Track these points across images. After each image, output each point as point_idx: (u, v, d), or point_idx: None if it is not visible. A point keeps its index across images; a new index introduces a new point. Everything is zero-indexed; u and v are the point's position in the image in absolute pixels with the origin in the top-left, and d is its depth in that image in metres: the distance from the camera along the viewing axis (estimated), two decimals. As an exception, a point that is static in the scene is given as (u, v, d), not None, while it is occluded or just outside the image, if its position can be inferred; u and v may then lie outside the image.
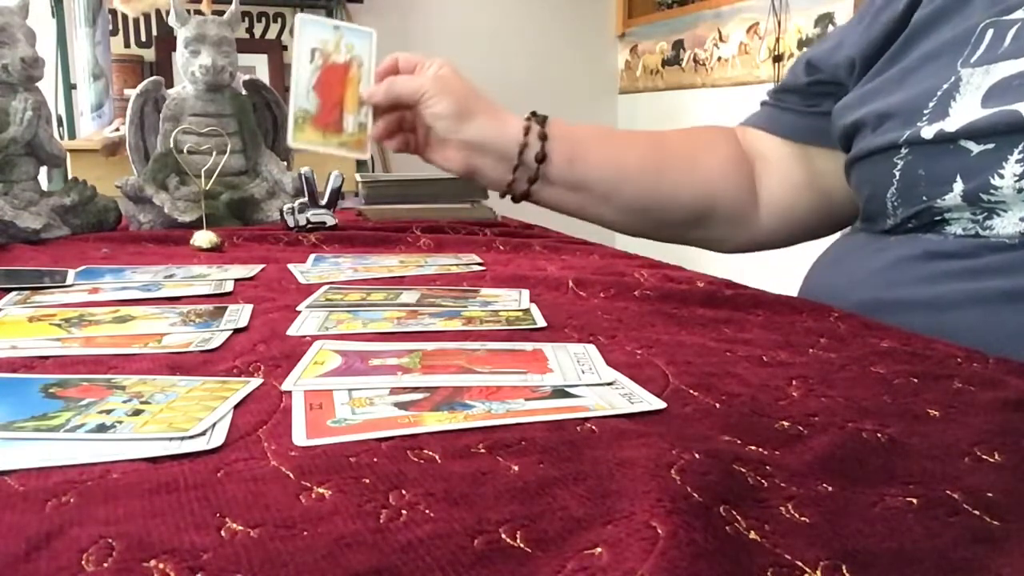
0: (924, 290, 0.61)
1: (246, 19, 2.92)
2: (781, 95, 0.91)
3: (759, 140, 0.89)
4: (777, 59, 2.75)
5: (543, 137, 0.79)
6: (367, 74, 0.86)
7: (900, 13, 0.75)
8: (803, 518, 0.28)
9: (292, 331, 0.54)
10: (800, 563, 0.26)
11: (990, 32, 0.69)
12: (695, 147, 0.88)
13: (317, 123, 0.86)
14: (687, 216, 0.85)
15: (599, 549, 0.26)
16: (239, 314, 0.58)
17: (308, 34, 0.87)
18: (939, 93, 0.67)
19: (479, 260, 0.82)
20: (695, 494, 0.29)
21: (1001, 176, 0.57)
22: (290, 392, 0.41)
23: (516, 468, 0.32)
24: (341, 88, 0.86)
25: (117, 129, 2.18)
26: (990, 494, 0.30)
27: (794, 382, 0.43)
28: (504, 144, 0.78)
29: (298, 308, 0.61)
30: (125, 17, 2.72)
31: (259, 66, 2.81)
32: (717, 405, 0.39)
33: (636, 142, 0.86)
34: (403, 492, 0.30)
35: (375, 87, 0.82)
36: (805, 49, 1.00)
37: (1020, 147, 0.57)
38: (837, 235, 0.84)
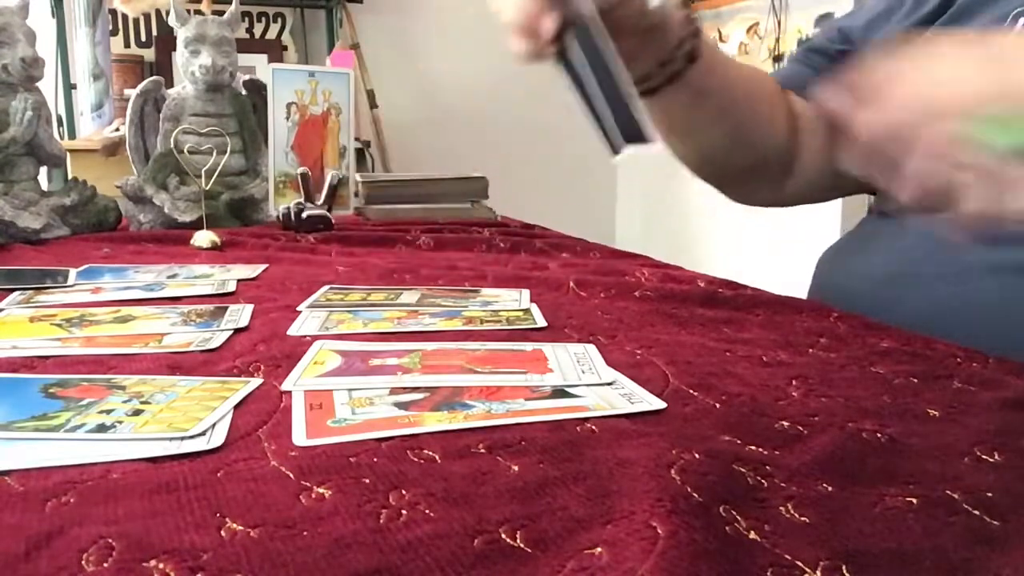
0: (942, 262, 0.61)
1: (246, 19, 2.92)
2: (810, 54, 0.90)
3: (791, 97, 0.89)
4: (777, 59, 2.75)
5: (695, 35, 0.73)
6: (346, 123, 0.85)
7: (939, 3, 0.76)
8: (803, 518, 0.28)
9: (292, 331, 0.54)
10: (800, 563, 0.26)
11: (1022, 21, 0.69)
12: (772, 95, 0.87)
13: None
14: (756, 161, 0.83)
15: (599, 549, 0.26)
16: (239, 314, 0.58)
17: (283, 86, 0.85)
18: None
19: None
20: (695, 494, 0.29)
21: None
22: (290, 392, 0.41)
23: (516, 468, 0.32)
24: (321, 143, 0.85)
25: (117, 129, 2.18)
26: (990, 494, 0.30)
27: (794, 382, 0.43)
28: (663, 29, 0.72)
29: (298, 308, 0.61)
30: (125, 17, 2.72)
31: (259, 66, 2.81)
32: (717, 405, 0.39)
33: (751, 75, 0.85)
34: (403, 492, 0.30)
35: None
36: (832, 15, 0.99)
37: None
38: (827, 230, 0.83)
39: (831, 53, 0.87)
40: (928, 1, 0.77)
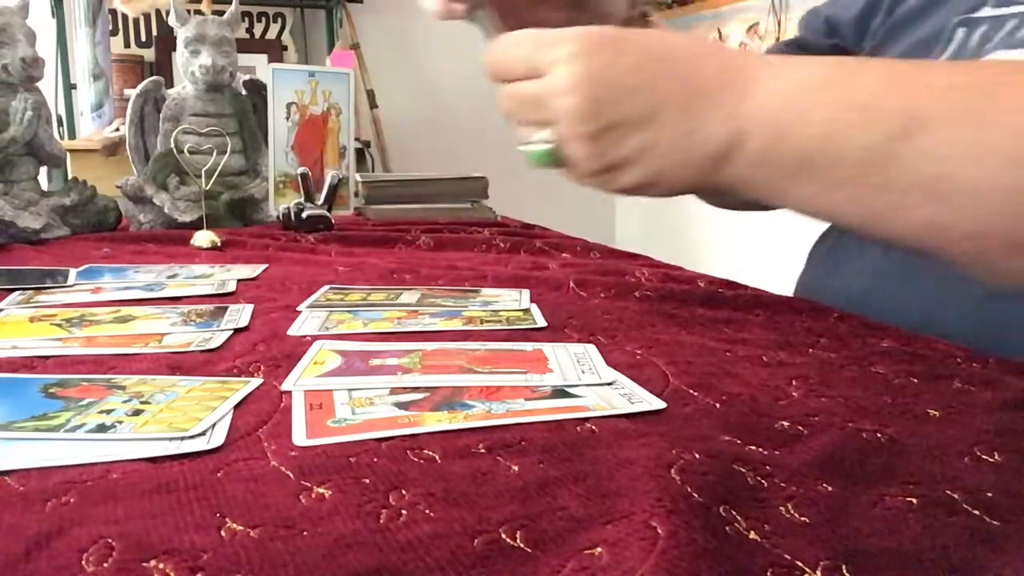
0: (926, 262, 0.61)
1: (246, 19, 2.92)
2: (796, 51, 0.85)
3: None
4: (777, 59, 2.75)
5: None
6: (347, 123, 0.84)
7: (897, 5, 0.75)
8: (803, 518, 0.28)
9: (292, 331, 0.54)
10: (800, 563, 0.26)
11: (961, 31, 0.69)
12: None
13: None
14: None
15: (599, 549, 0.26)
16: (240, 314, 0.59)
17: (283, 86, 0.85)
18: None
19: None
20: (695, 494, 0.29)
21: None
22: (290, 392, 0.41)
23: (516, 468, 0.32)
24: (320, 143, 0.85)
25: (117, 129, 2.18)
26: (990, 494, 0.30)
27: (794, 382, 0.43)
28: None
29: (298, 308, 0.61)
30: (125, 17, 2.72)
31: (259, 66, 2.81)
32: (717, 405, 0.39)
33: None
34: (403, 492, 0.30)
35: None
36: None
37: None
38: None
39: (823, 50, 0.85)
40: (904, 3, 0.76)
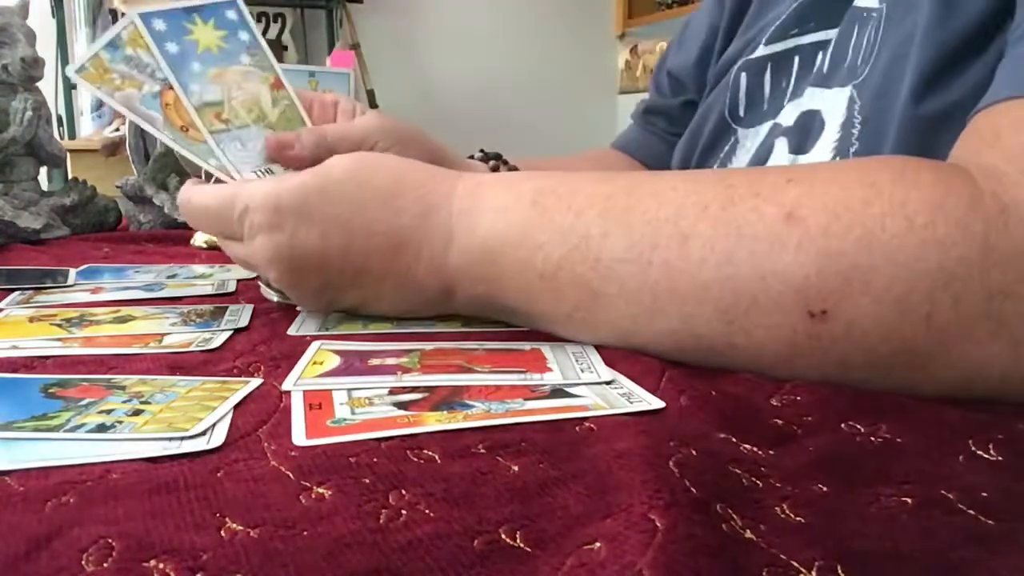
0: None
1: (246, 19, 2.92)
2: (652, 118, 0.87)
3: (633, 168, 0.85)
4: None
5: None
6: None
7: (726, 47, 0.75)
8: (798, 518, 0.29)
9: (292, 331, 0.54)
10: (795, 563, 0.26)
11: (743, 77, 0.68)
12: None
13: None
14: None
15: (598, 544, 0.26)
16: (240, 314, 0.59)
17: None
18: (721, 155, 0.68)
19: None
20: (693, 488, 0.29)
21: None
22: (290, 392, 0.41)
23: (516, 468, 0.32)
24: None
25: (117, 129, 2.18)
26: (985, 493, 0.30)
27: (789, 381, 0.43)
28: None
29: (298, 308, 0.61)
30: (125, 17, 2.73)
31: (259, 66, 2.81)
32: (713, 404, 0.40)
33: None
34: (403, 492, 0.30)
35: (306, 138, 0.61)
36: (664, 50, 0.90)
37: None
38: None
39: (673, 113, 0.83)
40: (725, 52, 0.74)
